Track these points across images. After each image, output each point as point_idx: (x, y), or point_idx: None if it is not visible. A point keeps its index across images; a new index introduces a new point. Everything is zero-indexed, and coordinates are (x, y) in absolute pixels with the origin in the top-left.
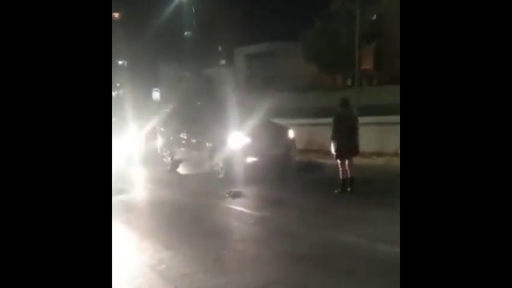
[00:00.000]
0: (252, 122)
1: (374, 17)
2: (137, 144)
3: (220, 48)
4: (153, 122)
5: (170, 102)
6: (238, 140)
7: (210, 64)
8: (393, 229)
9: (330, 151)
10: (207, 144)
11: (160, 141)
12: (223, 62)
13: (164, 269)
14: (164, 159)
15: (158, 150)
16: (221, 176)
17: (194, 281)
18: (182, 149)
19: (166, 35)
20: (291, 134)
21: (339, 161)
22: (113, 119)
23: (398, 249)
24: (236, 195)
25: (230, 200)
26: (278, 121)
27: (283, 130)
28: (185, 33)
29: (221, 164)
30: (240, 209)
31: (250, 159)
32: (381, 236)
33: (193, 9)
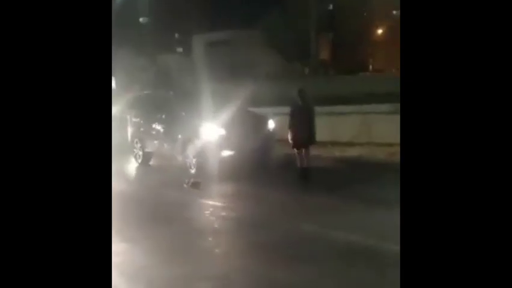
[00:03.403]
0: (226, 111)
1: (330, 7)
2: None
3: (177, 35)
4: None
5: (127, 90)
6: (212, 132)
7: (166, 52)
8: (345, 217)
9: (288, 140)
10: (179, 136)
11: (130, 132)
12: (180, 49)
13: (120, 261)
14: (135, 151)
15: (129, 141)
16: (193, 171)
17: (151, 274)
18: (155, 141)
19: (121, 20)
20: (271, 124)
21: (296, 150)
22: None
23: (350, 236)
24: (195, 185)
25: (196, 193)
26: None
27: (262, 120)
28: (141, 19)
29: (193, 158)
30: (206, 201)
31: (226, 153)
32: (333, 223)
33: None
